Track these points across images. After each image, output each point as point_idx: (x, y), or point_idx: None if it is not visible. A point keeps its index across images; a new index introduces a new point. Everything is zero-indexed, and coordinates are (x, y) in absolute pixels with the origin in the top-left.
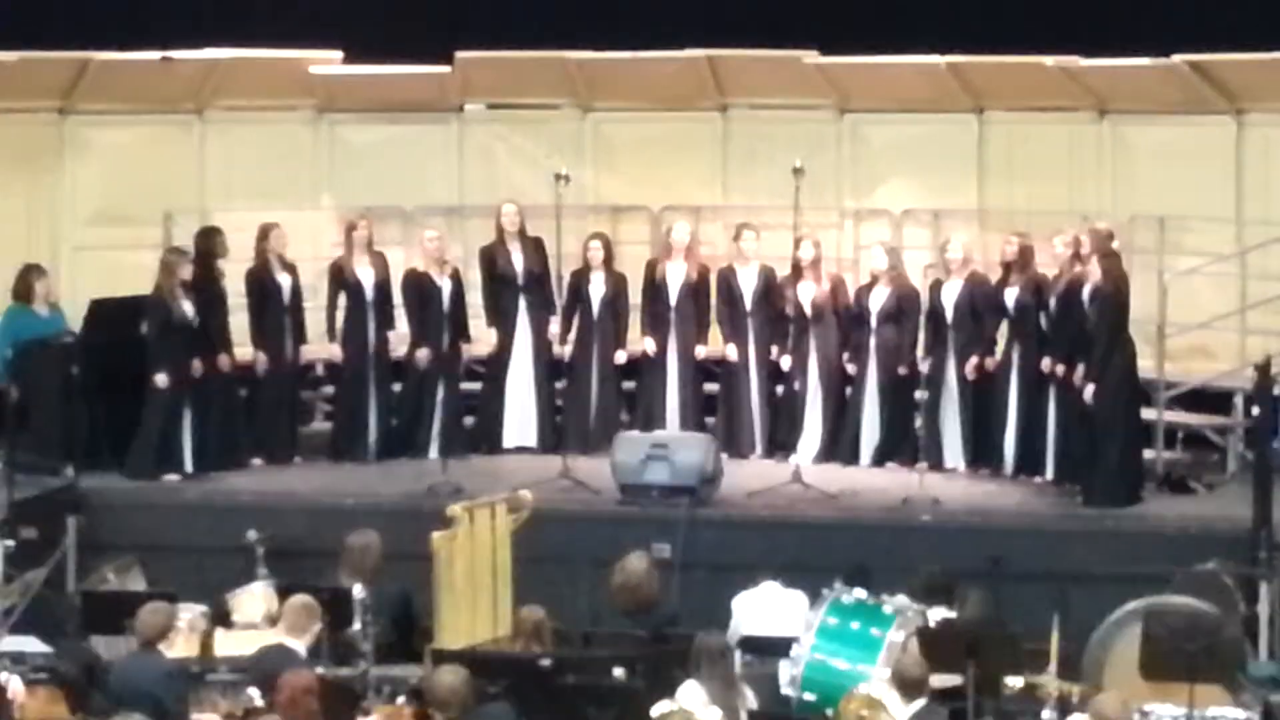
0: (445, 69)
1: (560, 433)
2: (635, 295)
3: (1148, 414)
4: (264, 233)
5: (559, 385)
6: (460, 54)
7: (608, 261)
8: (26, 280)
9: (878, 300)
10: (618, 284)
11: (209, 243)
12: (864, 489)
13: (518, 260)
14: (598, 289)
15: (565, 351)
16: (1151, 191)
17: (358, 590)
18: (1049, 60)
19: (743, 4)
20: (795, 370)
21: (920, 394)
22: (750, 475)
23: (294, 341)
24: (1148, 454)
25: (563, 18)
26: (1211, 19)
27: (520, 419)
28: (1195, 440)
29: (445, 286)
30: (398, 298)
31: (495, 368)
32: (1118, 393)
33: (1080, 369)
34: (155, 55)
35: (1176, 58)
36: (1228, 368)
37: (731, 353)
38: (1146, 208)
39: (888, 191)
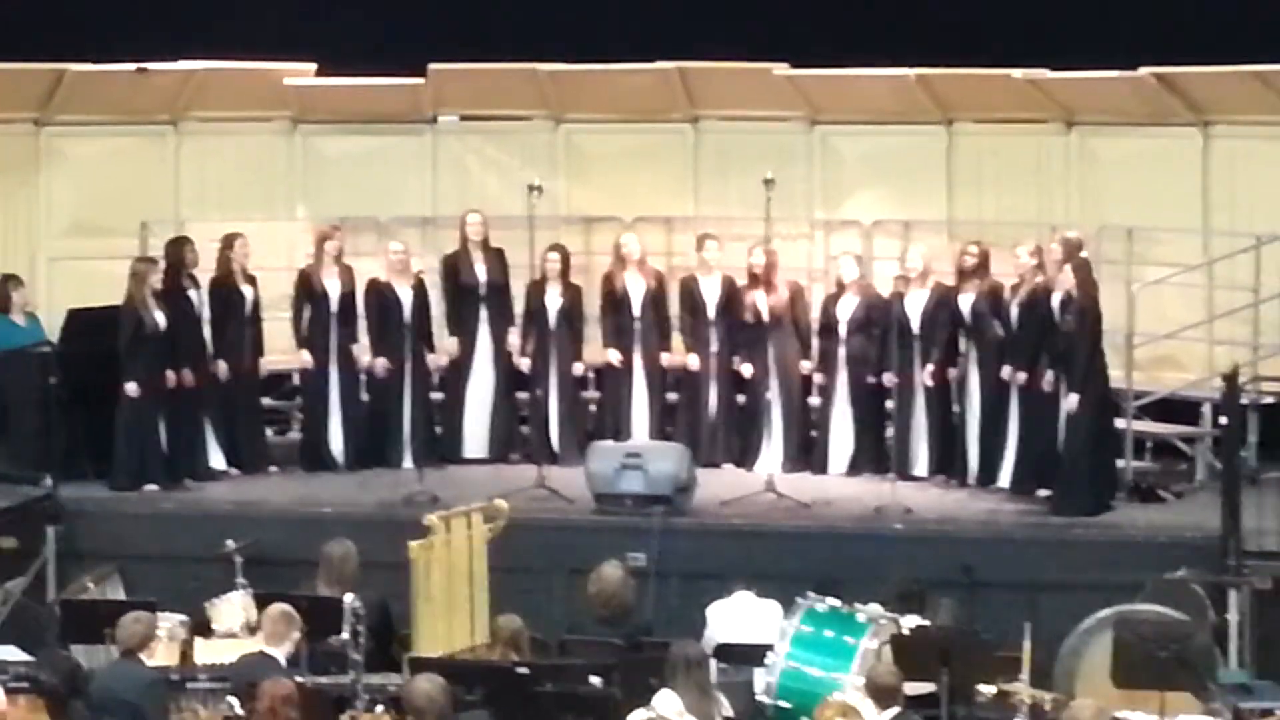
0: (419, 81)
1: (515, 443)
2: (592, 307)
3: (1117, 423)
4: (228, 242)
5: (520, 396)
6: (433, 66)
7: (564, 274)
8: (3, 290)
9: (846, 310)
10: (574, 296)
11: (179, 252)
12: (837, 498)
13: (480, 270)
14: (554, 301)
15: (524, 363)
16: (1119, 203)
17: (349, 599)
18: (1017, 73)
19: (714, 17)
20: (757, 378)
21: (889, 404)
22: (724, 484)
23: (253, 352)
24: (1118, 463)
25: (535, 30)
26: (1177, 32)
27: (476, 429)
28: (1164, 449)
29: (407, 298)
30: (363, 309)
31: (455, 377)
32: (1096, 403)
33: (1048, 376)
34: (130, 67)
35: (1143, 70)
36: (1195, 377)
37: (693, 362)
38: (1114, 219)
39: (858, 202)
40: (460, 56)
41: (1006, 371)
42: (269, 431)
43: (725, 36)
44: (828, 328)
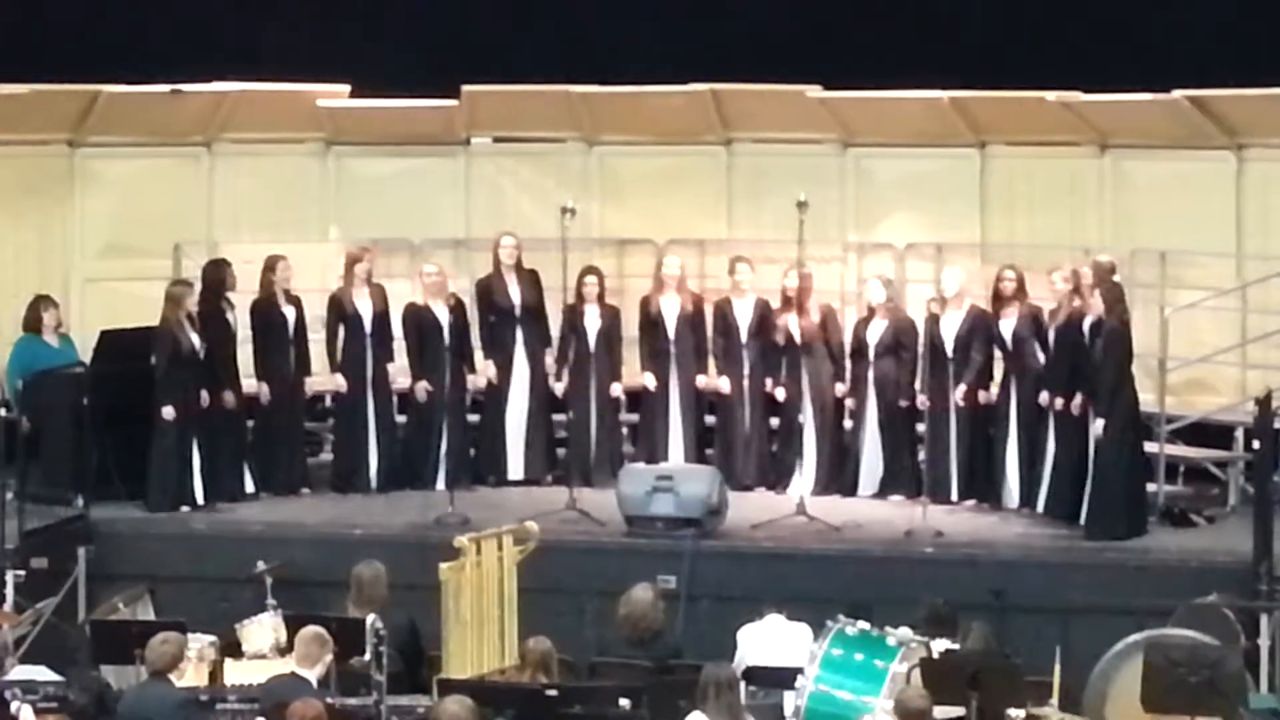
0: (452, 102)
1: (553, 465)
2: (630, 328)
3: (1149, 448)
4: (270, 265)
5: (558, 418)
6: (467, 88)
7: (602, 295)
8: (37, 311)
9: (875, 333)
10: (613, 317)
11: (218, 274)
12: (867, 521)
13: (515, 293)
14: (593, 322)
15: (560, 386)
16: (1152, 226)
17: (371, 619)
18: (1050, 95)
19: (747, 39)
20: (791, 401)
21: (921, 427)
22: (755, 507)
23: (298, 373)
24: (1149, 488)
25: (568, 52)
26: (1212, 55)
27: (517, 452)
28: (1196, 474)
29: (445, 319)
30: (397, 329)
31: (493, 400)
32: (1124, 427)
33: (1077, 400)
34: (164, 88)
35: (1177, 93)
36: (1228, 402)
37: (724, 385)
38: (1147, 242)
39: (891, 225)
40: (494, 78)
41: (1044, 397)
42: None
43: (758, 58)
44: (858, 351)
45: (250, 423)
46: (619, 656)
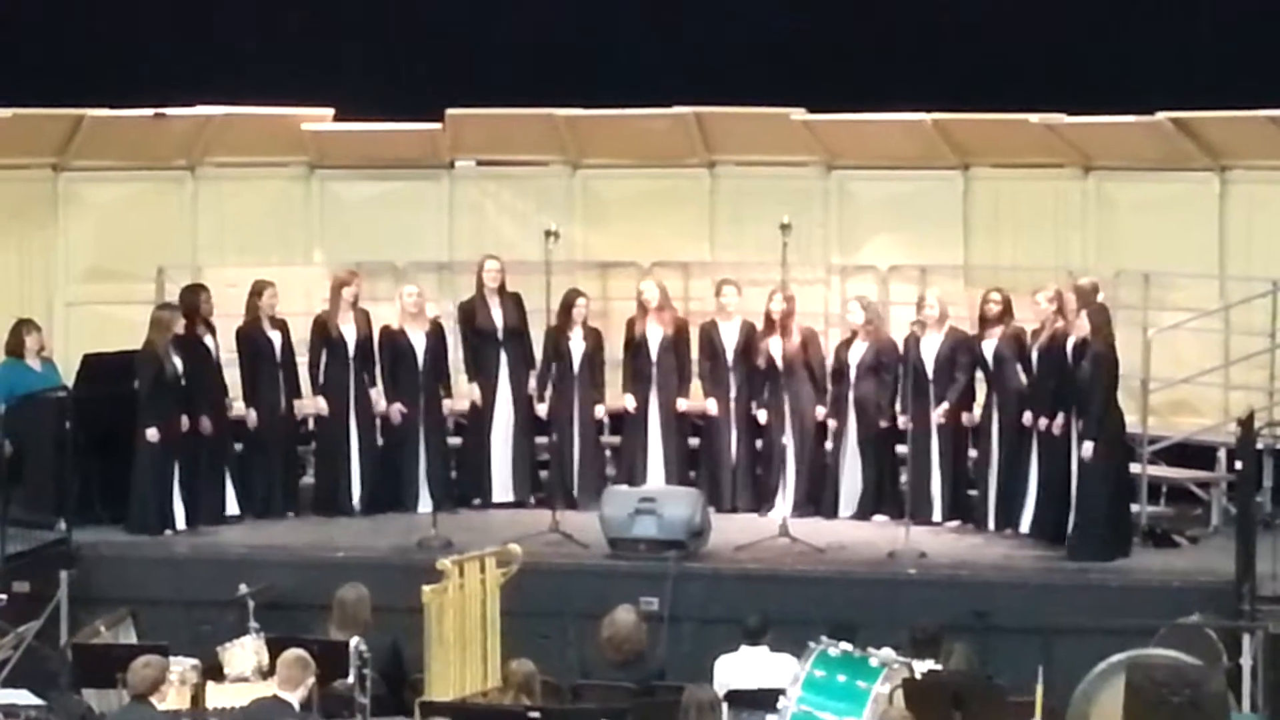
0: (436, 126)
1: (537, 487)
2: (615, 351)
3: (1132, 468)
4: (257, 290)
5: (540, 440)
6: (451, 111)
7: (585, 318)
8: (19, 335)
9: (856, 355)
10: (595, 340)
11: (192, 299)
12: (850, 543)
13: (498, 315)
14: (578, 345)
15: (543, 408)
16: (1136, 247)
17: (354, 642)
18: (1034, 117)
19: (730, 61)
20: (773, 424)
21: (902, 448)
22: (738, 529)
23: (287, 397)
24: (1132, 508)
25: (552, 75)
26: (1195, 77)
27: (502, 473)
28: (1179, 494)
29: (420, 343)
30: (377, 355)
31: (478, 422)
32: (1110, 448)
33: (1059, 420)
34: (148, 112)
35: (1160, 115)
36: (1211, 422)
37: (712, 407)
38: (1131, 263)
39: (874, 247)
40: (477, 102)
41: (1028, 417)
42: None
43: (742, 81)
44: (839, 373)
45: (239, 446)
46: (602, 678)
